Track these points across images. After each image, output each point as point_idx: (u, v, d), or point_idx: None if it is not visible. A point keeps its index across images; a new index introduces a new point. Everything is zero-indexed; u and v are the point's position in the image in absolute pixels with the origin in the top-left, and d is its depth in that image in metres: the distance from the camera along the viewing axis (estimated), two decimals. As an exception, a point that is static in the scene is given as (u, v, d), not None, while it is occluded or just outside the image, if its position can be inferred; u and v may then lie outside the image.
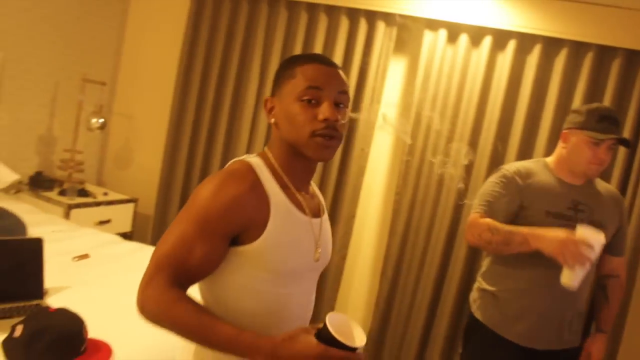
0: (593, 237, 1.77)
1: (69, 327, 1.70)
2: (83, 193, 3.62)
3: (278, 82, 1.26)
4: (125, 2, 4.16)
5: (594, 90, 2.96)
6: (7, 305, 1.93)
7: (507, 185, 2.07)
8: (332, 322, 1.00)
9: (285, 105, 1.21)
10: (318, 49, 3.42)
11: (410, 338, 3.29)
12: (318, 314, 3.46)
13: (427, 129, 3.24)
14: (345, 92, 1.22)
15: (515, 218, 2.05)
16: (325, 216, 1.39)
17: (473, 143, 3.15)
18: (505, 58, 3.07)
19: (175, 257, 1.11)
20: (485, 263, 2.23)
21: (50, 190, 3.58)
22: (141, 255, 2.83)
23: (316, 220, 1.31)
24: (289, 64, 1.24)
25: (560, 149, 2.12)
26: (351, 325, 1.06)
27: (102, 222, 3.59)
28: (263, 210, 1.17)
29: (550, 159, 2.17)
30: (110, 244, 2.91)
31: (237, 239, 1.16)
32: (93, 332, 1.81)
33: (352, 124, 3.39)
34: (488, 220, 2.01)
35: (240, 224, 1.14)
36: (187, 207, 1.15)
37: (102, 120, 3.69)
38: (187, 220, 1.13)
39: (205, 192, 1.14)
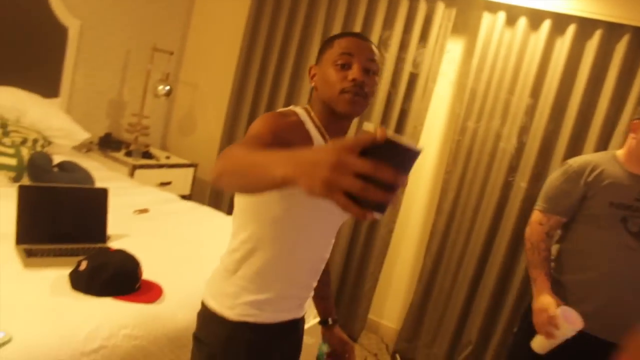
0: (565, 319, 1.90)
1: (126, 265, 1.88)
2: (147, 155, 3.85)
3: (321, 53, 1.43)
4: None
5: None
6: (75, 246, 2.14)
7: (570, 180, 2.09)
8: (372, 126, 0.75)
9: (324, 70, 1.38)
10: (377, 27, 3.48)
11: (450, 314, 3.35)
12: (363, 284, 3.58)
13: (480, 109, 3.26)
14: (373, 60, 1.37)
15: (579, 209, 2.08)
16: None
17: (525, 126, 3.15)
18: (564, 43, 3.05)
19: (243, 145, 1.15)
20: (554, 249, 2.22)
21: (118, 151, 3.83)
22: (197, 212, 3.02)
23: None
24: (330, 39, 1.42)
25: (630, 139, 2.11)
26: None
27: (163, 184, 3.81)
28: (305, 139, 1.34)
29: (620, 152, 2.14)
30: (169, 201, 3.11)
31: None
32: (147, 274, 1.99)
33: (407, 100, 3.45)
34: (539, 234, 2.14)
35: (290, 142, 1.23)
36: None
37: (168, 87, 3.89)
38: (243, 140, 1.22)
39: (256, 123, 1.27)
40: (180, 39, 4.40)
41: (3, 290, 1.69)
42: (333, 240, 1.50)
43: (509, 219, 3.18)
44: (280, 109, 1.40)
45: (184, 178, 4.01)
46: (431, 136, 3.55)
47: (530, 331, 2.06)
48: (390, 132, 0.70)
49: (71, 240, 2.17)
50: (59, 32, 3.49)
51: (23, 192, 2.08)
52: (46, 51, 3.45)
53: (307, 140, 1.34)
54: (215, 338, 1.38)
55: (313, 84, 1.42)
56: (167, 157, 4.02)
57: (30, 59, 3.37)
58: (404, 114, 3.48)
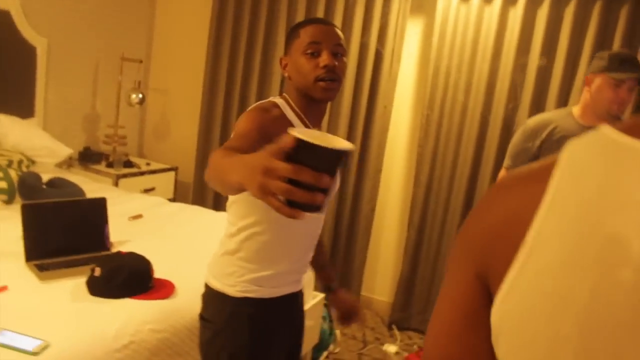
0: None
1: (139, 265, 1.99)
2: (128, 164, 3.92)
3: (288, 43, 1.52)
4: (153, -17, 4.40)
5: (603, 40, 3.09)
6: (83, 256, 2.23)
7: (528, 138, 2.28)
8: (300, 131, 0.76)
9: (294, 60, 1.48)
10: (339, 13, 3.61)
11: (438, 279, 3.54)
12: (352, 263, 3.74)
13: (445, 83, 3.43)
14: (340, 45, 1.48)
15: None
16: None
17: (488, 94, 3.33)
18: (517, 12, 3.22)
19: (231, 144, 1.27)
20: None
21: (99, 163, 3.89)
22: (187, 212, 3.14)
23: None
24: (295, 28, 1.51)
25: (585, 93, 2.30)
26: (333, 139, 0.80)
27: (147, 190, 3.89)
28: (287, 127, 1.43)
29: (575, 107, 2.34)
30: (159, 205, 3.21)
31: None
32: (156, 273, 2.10)
33: (374, 82, 3.60)
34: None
35: (274, 134, 1.26)
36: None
37: (141, 95, 3.96)
38: (231, 139, 1.32)
39: (241, 121, 1.40)
40: (146, 46, 4.46)
41: (27, 303, 1.79)
42: (324, 216, 1.65)
43: (483, 186, 3.38)
44: (261, 102, 1.50)
45: (166, 182, 4.09)
46: (401, 114, 3.71)
47: None
48: (317, 134, 0.77)
49: (78, 251, 2.26)
50: (27, 52, 3.53)
51: (26, 211, 2.16)
52: (16, 72, 3.49)
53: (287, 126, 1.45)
54: (219, 315, 1.52)
55: (286, 74, 1.52)
56: (148, 164, 4.10)
57: (2, 82, 3.40)
58: (372, 95, 3.63)
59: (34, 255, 2.14)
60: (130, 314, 1.82)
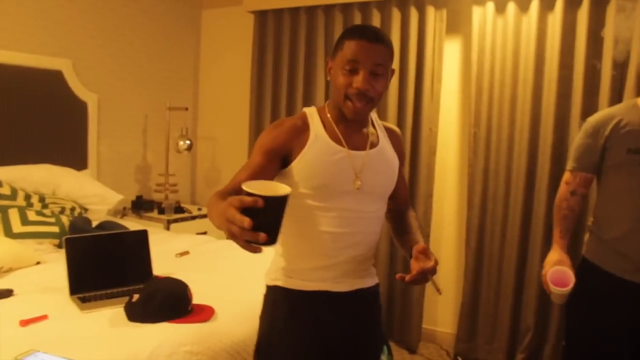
0: (551, 280, 2.04)
1: (176, 289, 1.95)
2: (179, 210, 3.97)
3: (335, 49, 1.52)
4: (197, 33, 4.57)
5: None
6: (125, 288, 2.22)
7: (590, 136, 2.12)
8: (251, 184, 1.09)
9: (335, 71, 1.50)
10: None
11: (502, 305, 3.32)
12: (410, 295, 3.57)
13: (489, 99, 3.32)
14: (380, 65, 1.45)
15: (601, 162, 2.11)
16: (379, 149, 1.59)
17: (536, 104, 3.19)
18: (555, 17, 3.12)
19: (235, 176, 1.45)
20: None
21: (151, 211, 3.95)
22: (235, 246, 3.08)
23: (358, 152, 1.54)
24: (342, 36, 1.50)
25: None
26: (277, 186, 1.13)
27: (198, 234, 3.90)
28: (303, 139, 1.49)
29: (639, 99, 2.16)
30: (207, 242, 3.20)
31: (286, 161, 1.49)
32: (197, 299, 2.05)
33: (417, 104, 3.53)
34: (563, 193, 2.20)
35: (285, 146, 1.48)
36: None
37: (188, 142, 4.04)
38: (236, 174, 1.46)
39: (256, 142, 1.52)
40: (193, 96, 4.59)
41: (64, 329, 1.77)
42: (372, 213, 1.57)
43: (540, 199, 3.19)
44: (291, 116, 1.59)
45: (218, 226, 4.09)
46: (448, 134, 3.61)
47: (580, 291, 2.06)
48: (264, 184, 1.12)
49: (120, 283, 2.25)
50: (79, 108, 3.69)
51: (70, 245, 2.18)
52: (70, 127, 3.64)
53: (303, 138, 1.49)
54: (263, 305, 1.61)
55: (329, 78, 1.54)
56: (199, 209, 4.13)
57: (57, 136, 3.55)
58: (416, 118, 3.55)
59: (77, 289, 2.15)
60: (166, 336, 1.76)
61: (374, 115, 1.65)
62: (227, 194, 1.28)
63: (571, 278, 2.03)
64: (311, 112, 1.57)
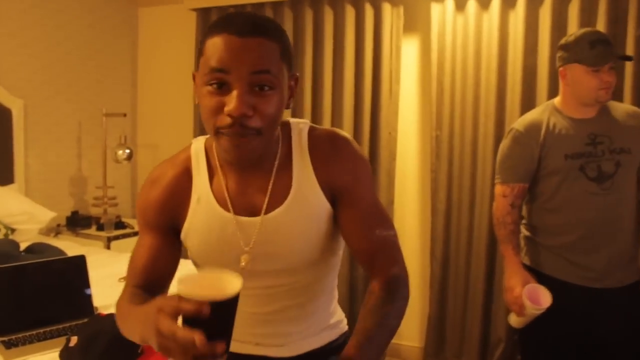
0: (530, 299, 1.95)
1: (122, 329, 1.66)
2: (120, 225, 3.64)
3: (197, 54, 1.04)
4: (134, 33, 4.23)
5: (614, 32, 2.83)
6: (61, 325, 1.92)
7: (523, 145, 2.06)
8: (187, 280, 0.80)
9: (198, 89, 1.01)
10: (328, 41, 3.40)
11: (471, 316, 3.17)
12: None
13: (451, 100, 3.17)
14: (265, 71, 0.95)
15: (537, 169, 2.07)
16: (286, 205, 1.09)
17: (500, 106, 3.06)
18: (517, 14, 2.99)
19: (132, 261, 1.16)
20: (524, 211, 2.24)
21: (89, 227, 3.61)
22: (185, 269, 2.81)
23: (249, 220, 1.10)
24: (205, 34, 1.01)
25: (563, 87, 2.10)
26: (224, 278, 0.82)
27: (143, 251, 3.58)
28: (186, 199, 1.13)
29: (557, 100, 2.14)
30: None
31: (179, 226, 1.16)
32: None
33: (375, 107, 3.34)
34: (503, 208, 2.10)
35: (169, 216, 1.14)
36: None
37: (128, 150, 3.71)
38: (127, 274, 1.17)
39: (137, 200, 1.19)
40: (131, 100, 4.25)
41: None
42: (284, 287, 1.18)
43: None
44: (163, 163, 1.20)
45: (163, 241, 3.79)
46: (408, 138, 3.44)
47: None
48: (207, 277, 0.83)
49: (56, 320, 1.95)
50: (2, 115, 3.30)
51: (-10, 278, 1.85)
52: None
53: (187, 198, 1.13)
54: None
55: (197, 101, 1.04)
56: (142, 223, 3.81)
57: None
58: (374, 122, 3.36)
59: (1, 330, 1.82)
60: (112, 389, 1.49)
61: (295, 128, 1.14)
62: (137, 296, 1.02)
63: (547, 295, 1.96)
64: (197, 153, 1.15)
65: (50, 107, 3.62)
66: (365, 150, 3.36)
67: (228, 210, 1.10)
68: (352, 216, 1.12)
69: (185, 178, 1.13)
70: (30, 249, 2.63)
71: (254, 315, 1.19)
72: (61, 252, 2.64)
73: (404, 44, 3.35)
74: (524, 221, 2.22)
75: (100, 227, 3.55)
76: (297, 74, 1.08)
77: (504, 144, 2.15)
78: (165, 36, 4.15)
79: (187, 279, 0.79)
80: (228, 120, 0.94)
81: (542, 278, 2.07)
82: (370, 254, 1.12)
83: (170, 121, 4.15)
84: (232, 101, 0.93)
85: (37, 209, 3.07)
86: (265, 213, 1.09)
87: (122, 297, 1.06)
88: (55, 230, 3.54)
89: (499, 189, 2.15)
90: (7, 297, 1.88)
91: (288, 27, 3.52)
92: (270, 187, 1.10)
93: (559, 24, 2.93)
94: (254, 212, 1.10)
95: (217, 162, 1.12)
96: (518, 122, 2.14)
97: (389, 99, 3.31)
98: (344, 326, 1.37)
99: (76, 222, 3.60)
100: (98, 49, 3.94)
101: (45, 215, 3.08)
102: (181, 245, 1.17)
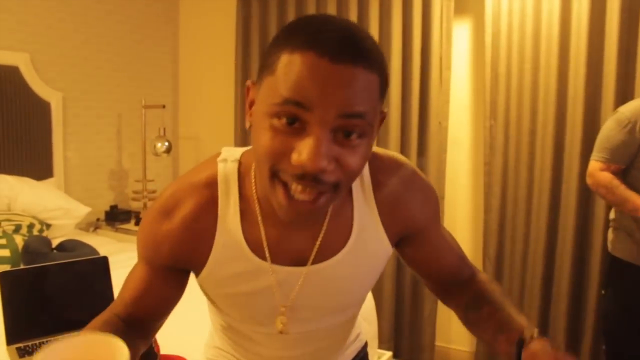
0: None
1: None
2: (160, 220, 3.54)
3: (262, 66, 0.77)
4: (175, 22, 4.12)
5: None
6: (77, 333, 1.80)
7: (627, 130, 2.07)
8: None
9: (257, 115, 0.76)
10: (374, 25, 3.18)
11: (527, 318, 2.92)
12: (421, 311, 3.18)
13: (506, 87, 2.91)
14: (359, 115, 0.70)
15: (635, 158, 2.06)
16: (340, 256, 0.90)
17: (561, 93, 2.78)
18: (583, -8, 2.70)
19: (122, 289, 0.96)
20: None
21: (128, 222, 3.54)
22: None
23: (290, 270, 0.90)
24: (277, 41, 0.74)
25: None
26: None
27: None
28: (205, 242, 0.88)
29: None
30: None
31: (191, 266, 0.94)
32: (166, 348, 1.64)
33: (424, 96, 3.11)
34: (607, 176, 2.10)
35: (176, 262, 0.91)
36: None
37: (167, 143, 3.61)
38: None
39: (141, 225, 0.94)
40: (172, 91, 4.15)
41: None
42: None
43: (569, 201, 2.78)
44: (179, 183, 0.90)
45: (203, 236, 3.69)
46: (460, 128, 3.21)
47: (620, 290, 2.19)
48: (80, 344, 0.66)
49: (75, 325, 1.82)
50: (41, 108, 3.24)
51: (4, 281, 1.75)
52: (30, 131, 3.19)
53: (206, 242, 0.88)
54: None
55: (248, 124, 0.81)
56: (182, 218, 3.71)
57: (15, 141, 3.10)
58: (423, 111, 3.13)
59: (16, 338, 1.72)
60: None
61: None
62: (110, 325, 0.86)
63: None
64: (227, 178, 0.88)
65: (89, 99, 3.55)
66: (413, 142, 3.14)
67: (264, 258, 0.88)
68: (427, 253, 1.02)
69: (208, 213, 0.87)
70: (61, 246, 2.55)
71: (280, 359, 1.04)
72: (93, 250, 2.56)
73: (455, 28, 3.11)
74: (612, 216, 2.26)
75: (139, 222, 3.46)
76: (386, 110, 0.80)
77: (608, 124, 2.16)
78: (207, 25, 4.03)
79: (48, 350, 0.61)
80: (298, 170, 0.70)
81: (631, 269, 2.12)
82: (445, 280, 1.07)
83: (212, 113, 4.04)
84: (306, 149, 0.68)
85: (72, 204, 3.00)
86: (313, 263, 0.89)
87: (95, 320, 0.88)
88: (94, 225, 3.48)
89: (595, 164, 2.17)
90: (24, 302, 1.78)
91: (332, 9, 3.33)
92: (323, 232, 0.88)
93: (629, 5, 2.62)
94: (297, 261, 0.89)
95: (255, 194, 0.87)
96: (625, 106, 2.14)
97: (439, 86, 3.08)
98: (363, 338, 1.22)
99: (115, 217, 3.53)
100: (138, 39, 3.85)
101: (81, 211, 3.01)
102: (187, 283, 0.97)
